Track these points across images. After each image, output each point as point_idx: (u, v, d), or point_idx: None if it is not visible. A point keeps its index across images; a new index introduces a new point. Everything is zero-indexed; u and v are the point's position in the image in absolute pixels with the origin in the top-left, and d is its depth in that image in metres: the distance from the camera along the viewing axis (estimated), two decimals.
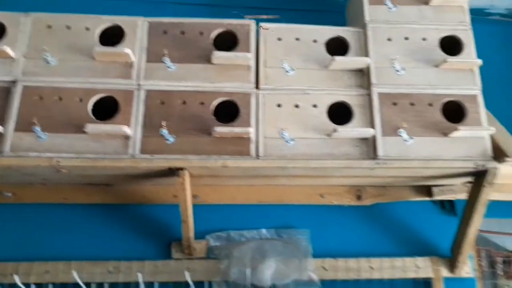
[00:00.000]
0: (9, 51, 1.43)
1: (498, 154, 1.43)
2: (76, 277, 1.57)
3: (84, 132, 1.36)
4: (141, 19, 1.55)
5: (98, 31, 1.52)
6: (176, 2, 2.00)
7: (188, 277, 1.59)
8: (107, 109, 1.45)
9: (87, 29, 1.52)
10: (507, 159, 1.39)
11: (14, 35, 1.49)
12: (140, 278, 1.58)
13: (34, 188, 1.70)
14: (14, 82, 1.44)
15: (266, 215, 1.76)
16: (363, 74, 1.53)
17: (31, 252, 1.64)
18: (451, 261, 1.69)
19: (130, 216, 1.74)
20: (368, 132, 1.43)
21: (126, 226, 1.72)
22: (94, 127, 1.37)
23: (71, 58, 1.48)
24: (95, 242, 1.69)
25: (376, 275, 1.67)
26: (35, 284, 1.58)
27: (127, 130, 1.38)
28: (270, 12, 2.00)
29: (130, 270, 1.61)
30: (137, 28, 1.53)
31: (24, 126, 1.38)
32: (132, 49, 1.47)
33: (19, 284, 1.55)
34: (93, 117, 1.43)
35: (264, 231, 1.73)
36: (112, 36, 1.53)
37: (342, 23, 1.80)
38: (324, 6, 2.07)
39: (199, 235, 1.67)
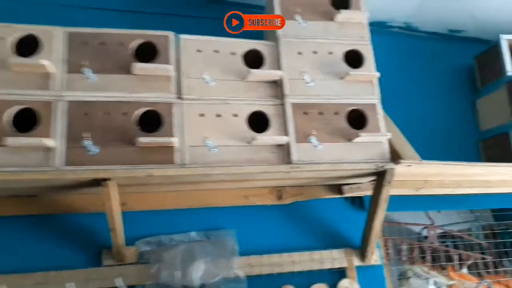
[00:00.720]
0: None
1: (395, 156, 1.62)
2: None
3: (4, 145, 1.35)
4: (59, 29, 1.51)
5: (11, 40, 1.47)
6: (96, 7, 1.97)
7: (119, 283, 1.63)
8: (29, 120, 1.43)
9: (0, 38, 1.46)
10: (402, 160, 1.58)
11: None
12: (70, 287, 1.59)
13: None
14: None
15: (195, 218, 1.83)
16: (277, 86, 1.65)
17: None
18: (362, 251, 1.89)
19: (59, 226, 1.73)
20: (283, 139, 1.55)
21: (55, 236, 1.72)
22: (15, 140, 1.35)
23: None
24: (23, 254, 1.67)
25: (297, 268, 1.82)
26: None
27: (47, 142, 1.37)
28: (190, 21, 2.05)
29: (60, 279, 1.61)
30: (54, 37, 1.49)
31: None
32: (50, 59, 1.44)
33: None
34: (14, 129, 1.40)
35: (193, 234, 1.81)
36: (29, 45, 1.48)
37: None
38: None
39: (130, 241, 1.71)
